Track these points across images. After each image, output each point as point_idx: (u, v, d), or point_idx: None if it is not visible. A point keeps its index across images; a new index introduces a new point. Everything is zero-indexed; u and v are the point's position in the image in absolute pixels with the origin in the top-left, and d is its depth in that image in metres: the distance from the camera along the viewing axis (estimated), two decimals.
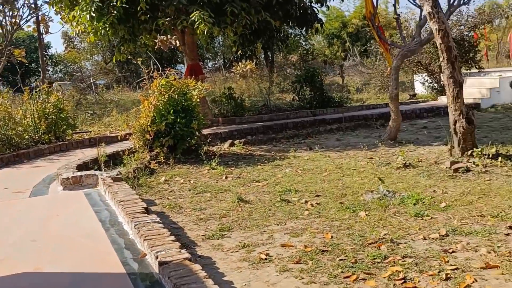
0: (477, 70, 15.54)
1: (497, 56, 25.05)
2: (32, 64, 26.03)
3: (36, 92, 9.67)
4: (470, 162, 6.28)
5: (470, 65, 15.21)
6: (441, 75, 6.43)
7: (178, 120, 7.90)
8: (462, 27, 15.01)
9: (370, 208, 4.66)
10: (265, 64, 20.50)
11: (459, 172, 5.92)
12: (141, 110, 8.23)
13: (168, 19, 9.28)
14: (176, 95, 8.04)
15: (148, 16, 9.54)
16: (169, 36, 13.39)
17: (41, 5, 16.89)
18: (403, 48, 8.92)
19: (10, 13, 16.28)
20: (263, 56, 20.85)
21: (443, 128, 10.05)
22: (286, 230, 4.20)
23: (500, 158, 6.25)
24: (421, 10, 8.97)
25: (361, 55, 26.30)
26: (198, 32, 8.79)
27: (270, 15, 9.73)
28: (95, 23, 9.07)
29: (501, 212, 4.26)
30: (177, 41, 18.17)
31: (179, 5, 8.93)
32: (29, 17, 16.68)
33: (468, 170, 5.98)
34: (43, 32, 17.31)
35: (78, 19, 9.23)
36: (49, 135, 9.21)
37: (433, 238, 3.75)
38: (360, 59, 25.58)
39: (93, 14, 8.95)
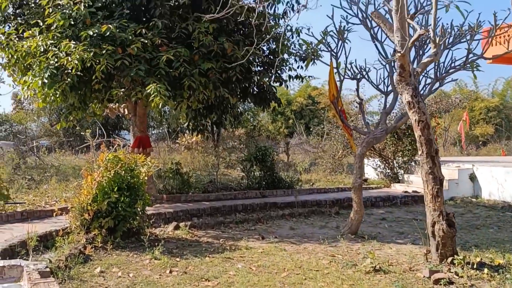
0: None
1: (444, 144, 26.21)
2: None
3: None
4: (452, 272, 5.70)
5: None
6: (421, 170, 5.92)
7: (122, 199, 7.48)
8: None
9: None
10: (211, 137, 20.50)
11: (441, 285, 5.36)
12: (82, 186, 7.76)
13: (123, 89, 9.07)
14: (123, 171, 7.68)
15: (102, 85, 9.31)
16: (117, 105, 13.21)
17: None
18: (368, 135, 8.63)
19: None
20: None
21: (404, 221, 10.03)
22: None
23: (486, 270, 5.70)
24: (386, 97, 9.10)
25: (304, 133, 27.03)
26: (152, 105, 8.61)
27: (228, 91, 9.72)
28: (46, 89, 8.71)
29: None
30: (126, 110, 17.99)
31: (136, 76, 8.79)
32: None
33: (450, 282, 5.42)
34: None
35: (30, 84, 8.86)
36: None
37: None
38: (306, 137, 26.20)
39: (45, 81, 8.62)
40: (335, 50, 8.98)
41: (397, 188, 14.54)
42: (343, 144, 17.20)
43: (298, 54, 10.60)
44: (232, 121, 12.86)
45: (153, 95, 8.40)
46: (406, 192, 13.56)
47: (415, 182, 14.30)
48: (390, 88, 8.88)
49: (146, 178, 7.98)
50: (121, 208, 7.46)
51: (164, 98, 8.42)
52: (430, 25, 5.25)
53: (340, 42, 8.86)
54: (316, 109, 32.87)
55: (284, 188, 12.95)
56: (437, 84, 8.58)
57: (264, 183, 12.98)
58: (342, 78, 9.10)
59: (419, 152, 6.07)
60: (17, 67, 9.77)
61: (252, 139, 22.73)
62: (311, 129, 29.36)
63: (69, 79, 8.78)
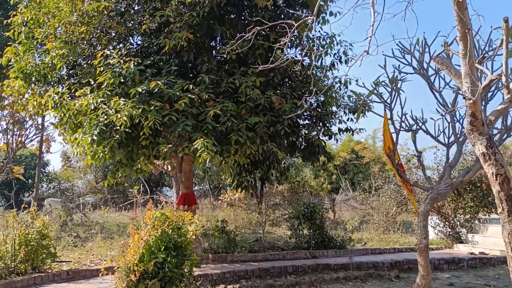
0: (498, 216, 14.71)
1: None
2: (29, 180, 26.00)
3: (25, 213, 9.00)
4: None
5: (489, 210, 13.81)
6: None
7: (169, 259, 7.15)
8: None
9: None
10: (254, 194, 20.10)
11: None
12: (128, 245, 7.49)
13: (170, 145, 8.95)
14: (170, 230, 7.38)
15: (149, 141, 9.24)
16: (161, 161, 13.16)
17: (47, 126, 17.08)
18: (432, 191, 7.86)
19: (18, 132, 16.47)
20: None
21: None
22: None
23: None
24: (448, 149, 8.44)
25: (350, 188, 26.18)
26: (199, 160, 8.41)
27: (276, 145, 9.44)
28: (95, 146, 8.69)
29: None
30: (169, 166, 17.91)
31: (183, 132, 8.67)
32: (34, 136, 16.83)
33: None
34: (44, 151, 17.22)
35: (80, 141, 8.87)
36: (26, 264, 8.37)
37: None
38: (352, 193, 25.37)
39: (95, 138, 8.62)
40: (388, 101, 8.62)
41: (460, 249, 13.55)
42: (397, 200, 16.38)
43: (347, 106, 10.30)
44: (278, 176, 12.49)
45: (200, 150, 8.22)
46: (472, 253, 12.58)
47: (481, 242, 13.32)
48: (452, 139, 8.32)
49: (193, 237, 7.65)
50: (168, 269, 7.12)
51: (212, 153, 8.22)
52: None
53: (394, 92, 8.50)
54: (360, 164, 32.15)
55: (335, 248, 12.29)
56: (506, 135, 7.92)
57: (313, 242, 12.38)
58: (397, 130, 8.66)
59: (499, 210, 5.44)
60: (68, 125, 9.89)
61: (296, 195, 22.24)
62: (355, 185, 28.58)
63: (117, 136, 8.74)
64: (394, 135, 8.64)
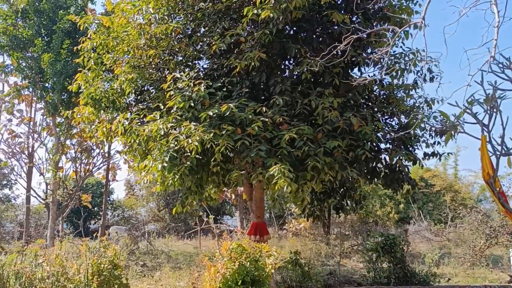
0: None
1: None
2: (95, 208, 26.46)
3: (97, 242, 8.71)
4: None
5: None
6: None
7: None
8: None
9: None
10: (324, 223, 19.18)
11: None
12: (204, 278, 6.97)
13: (243, 172, 8.43)
14: (248, 263, 6.79)
15: (220, 167, 8.78)
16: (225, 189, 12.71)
17: (113, 154, 17.23)
18: None
19: (86, 160, 16.70)
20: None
21: None
22: None
23: None
24: None
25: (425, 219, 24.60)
26: (275, 188, 7.81)
27: (356, 171, 8.69)
28: (165, 173, 8.32)
29: None
30: (232, 195, 17.38)
31: (256, 157, 8.13)
32: (101, 165, 17.00)
33: None
34: (111, 179, 17.31)
35: (149, 168, 8.54)
36: None
37: None
38: (427, 224, 23.83)
39: (165, 164, 8.25)
40: (485, 121, 7.68)
41: None
42: (485, 232, 14.95)
43: (433, 128, 9.41)
44: (354, 206, 11.65)
45: (276, 177, 7.63)
46: None
47: None
48: None
49: (272, 270, 7.01)
50: None
51: (288, 180, 7.62)
52: None
53: (492, 111, 7.57)
54: (430, 192, 30.46)
55: (418, 284, 11.20)
56: None
57: (393, 277, 11.37)
58: (498, 154, 7.68)
59: None
60: (137, 152, 9.64)
61: (366, 225, 21.16)
62: (425, 215, 26.98)
63: (188, 162, 8.34)
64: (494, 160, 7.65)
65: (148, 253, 16.10)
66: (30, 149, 16.76)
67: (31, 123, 16.85)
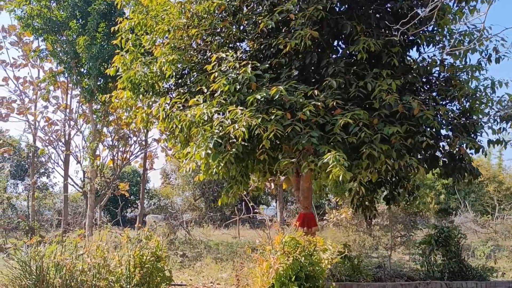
0: None
1: None
2: (131, 197, 26.40)
3: (139, 232, 8.32)
4: None
5: None
6: None
7: None
8: None
9: None
10: (363, 214, 18.46)
11: None
12: (255, 273, 6.46)
13: (294, 160, 7.85)
14: (303, 258, 6.24)
15: (267, 155, 8.21)
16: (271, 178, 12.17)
17: (151, 142, 16.91)
18: None
19: (123, 148, 16.46)
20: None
21: None
22: None
23: None
24: None
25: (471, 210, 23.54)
26: (330, 177, 7.22)
27: (416, 160, 7.97)
28: (210, 160, 7.82)
29: None
30: (272, 184, 16.77)
31: (308, 144, 7.54)
32: (139, 153, 16.72)
33: None
34: (148, 168, 17.02)
35: (192, 155, 8.06)
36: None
37: None
38: (473, 215, 22.78)
39: (209, 151, 7.75)
40: None
41: None
42: None
43: (498, 113, 8.60)
44: (406, 196, 10.91)
45: (331, 165, 7.03)
46: None
47: None
48: None
49: (328, 266, 6.44)
50: None
51: (343, 169, 7.00)
52: None
53: None
54: (473, 183, 29.18)
55: (474, 280, 10.43)
56: None
57: (447, 272, 10.63)
58: None
59: None
60: (178, 138, 9.18)
61: (409, 216, 20.31)
62: (466, 206, 25.87)
63: (233, 150, 7.82)
64: None
65: (186, 242, 15.77)
66: (67, 137, 16.59)
67: (67, 110, 16.65)
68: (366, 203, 11.12)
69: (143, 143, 17.09)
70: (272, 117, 7.51)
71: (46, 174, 27.65)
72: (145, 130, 16.83)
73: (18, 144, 18.80)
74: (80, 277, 6.53)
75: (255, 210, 20.81)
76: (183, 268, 11.48)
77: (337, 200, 18.71)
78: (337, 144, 7.65)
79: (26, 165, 22.71)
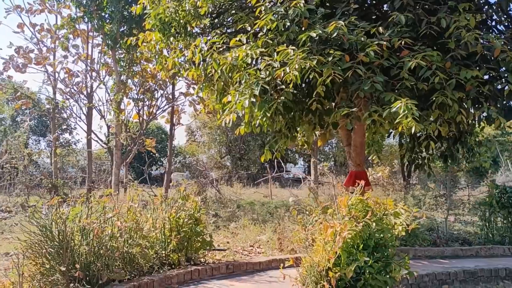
0: None
1: None
2: (156, 154, 25.67)
3: (174, 192, 7.43)
4: None
5: None
6: None
7: (370, 262, 5.09)
8: None
9: None
10: (401, 173, 17.45)
11: None
12: (315, 240, 5.52)
13: (355, 109, 6.74)
14: (374, 223, 5.24)
15: (321, 104, 7.12)
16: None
17: (178, 96, 15.87)
18: None
19: (149, 102, 15.48)
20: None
21: None
22: None
23: None
24: None
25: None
26: (399, 129, 6.14)
27: (495, 109, 6.80)
28: (255, 110, 6.76)
29: None
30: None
31: (370, 91, 6.42)
32: (166, 107, 15.71)
33: None
34: (175, 123, 16.05)
35: (233, 105, 7.02)
36: (179, 254, 6.75)
37: None
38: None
39: (254, 100, 6.69)
40: None
41: None
42: None
43: None
44: (465, 153, 9.75)
45: (401, 115, 5.92)
46: None
47: None
48: None
49: (403, 233, 5.43)
50: (370, 275, 5.08)
51: (415, 120, 5.91)
52: None
53: None
54: (506, 141, 27.77)
55: None
56: None
57: (508, 236, 9.63)
58: None
59: None
60: (216, 86, 8.11)
61: (449, 174, 19.17)
62: (498, 165, 24.52)
63: (282, 98, 6.75)
64: None
65: (217, 201, 14.96)
66: (89, 89, 15.65)
67: (89, 60, 15.62)
68: (419, 161, 10.00)
69: (170, 96, 16.07)
70: (330, 58, 6.38)
71: (68, 131, 27.07)
72: (172, 83, 15.82)
73: (37, 97, 17.92)
74: (110, 243, 5.66)
75: (287, 170, 19.93)
76: (217, 230, 10.66)
77: (373, 158, 17.61)
78: (403, 91, 6.55)
79: (48, 121, 21.97)
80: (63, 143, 25.19)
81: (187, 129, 29.76)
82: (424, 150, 9.79)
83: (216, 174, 24.56)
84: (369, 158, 21.59)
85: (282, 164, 24.60)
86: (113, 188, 14.15)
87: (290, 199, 16.34)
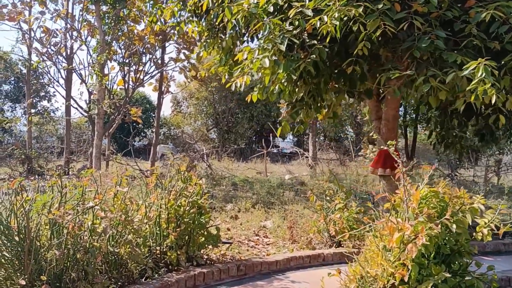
0: None
1: None
2: (140, 125, 23.93)
3: (174, 172, 5.91)
4: None
5: None
6: None
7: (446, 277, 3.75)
8: None
9: None
10: (405, 149, 16.26)
11: None
12: (368, 248, 4.13)
13: (409, 72, 5.28)
14: (454, 225, 3.87)
15: (359, 66, 5.67)
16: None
17: (168, 61, 14.21)
18: None
19: (135, 67, 13.77)
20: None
21: None
22: None
23: None
24: None
25: None
26: (472, 98, 4.74)
27: None
28: (279, 71, 5.28)
29: None
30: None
31: (430, 49, 4.99)
32: (154, 72, 14.02)
33: None
34: (164, 91, 14.41)
35: (248, 65, 5.54)
36: (178, 252, 5.27)
37: None
38: None
39: (276, 58, 5.22)
40: None
41: None
42: None
43: None
44: (500, 133, 8.44)
45: (476, 82, 4.53)
46: None
47: None
48: None
49: (489, 238, 4.07)
50: None
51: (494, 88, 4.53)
52: None
53: None
54: None
55: None
56: None
57: None
58: None
59: None
60: (225, 42, 6.57)
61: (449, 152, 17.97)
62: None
63: (313, 55, 5.30)
64: None
65: (208, 177, 13.50)
66: (69, 51, 13.89)
67: (69, 19, 13.82)
68: (450, 139, 8.66)
69: (159, 62, 14.41)
70: (380, 6, 4.91)
71: (47, 98, 25.12)
72: (162, 47, 14.14)
73: (8, 58, 16.02)
74: (90, 242, 4.19)
75: (275, 145, 18.41)
76: (213, 212, 9.26)
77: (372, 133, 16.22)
78: (467, 51, 5.13)
79: (25, 87, 20.10)
80: (40, 111, 23.30)
81: (173, 99, 28.02)
82: (456, 126, 8.50)
83: (203, 147, 23.07)
84: (370, 134, 20.19)
85: (270, 138, 23.18)
86: (94, 161, 12.61)
87: (286, 177, 15.04)
